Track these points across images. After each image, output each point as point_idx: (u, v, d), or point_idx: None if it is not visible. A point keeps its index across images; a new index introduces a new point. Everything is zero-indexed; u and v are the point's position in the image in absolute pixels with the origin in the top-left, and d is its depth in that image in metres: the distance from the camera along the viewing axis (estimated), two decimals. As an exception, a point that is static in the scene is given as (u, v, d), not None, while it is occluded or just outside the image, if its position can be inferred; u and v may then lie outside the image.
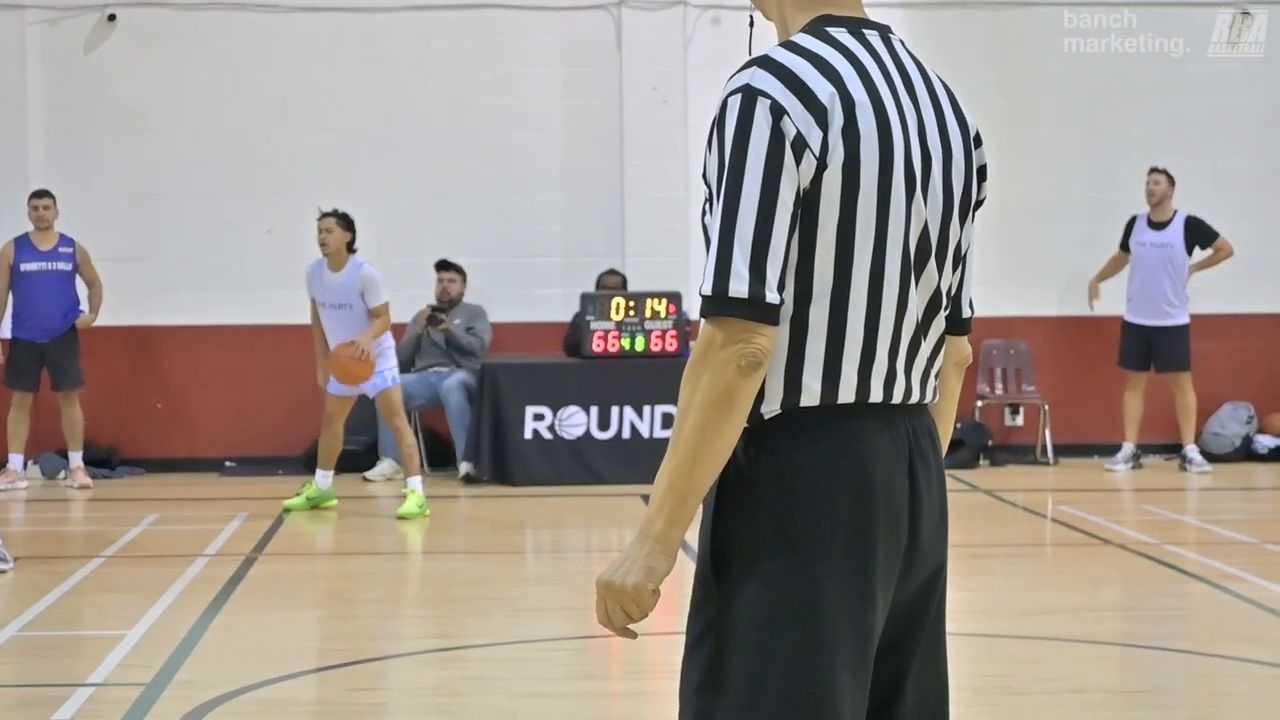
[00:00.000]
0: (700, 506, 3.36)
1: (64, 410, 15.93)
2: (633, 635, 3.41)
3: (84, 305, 16.18)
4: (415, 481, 13.80)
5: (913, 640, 3.50)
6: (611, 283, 16.84)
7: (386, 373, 13.69)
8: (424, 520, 13.65)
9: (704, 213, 3.36)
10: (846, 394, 3.35)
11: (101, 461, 16.63)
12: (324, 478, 14.21)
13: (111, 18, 17.32)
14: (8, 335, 15.98)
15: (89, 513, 14.87)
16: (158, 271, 17.29)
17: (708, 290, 3.25)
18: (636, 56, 17.39)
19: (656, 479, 3.32)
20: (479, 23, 17.54)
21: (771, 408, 3.34)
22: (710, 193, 3.34)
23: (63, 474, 16.24)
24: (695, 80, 17.36)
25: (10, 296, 15.97)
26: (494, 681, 8.26)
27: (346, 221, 13.81)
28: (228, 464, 17.28)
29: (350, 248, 13.79)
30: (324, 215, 13.81)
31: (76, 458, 15.99)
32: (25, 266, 15.97)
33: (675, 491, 3.28)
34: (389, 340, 13.86)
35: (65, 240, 16.15)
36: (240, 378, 17.32)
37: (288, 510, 14.10)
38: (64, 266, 16.06)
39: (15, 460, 15.96)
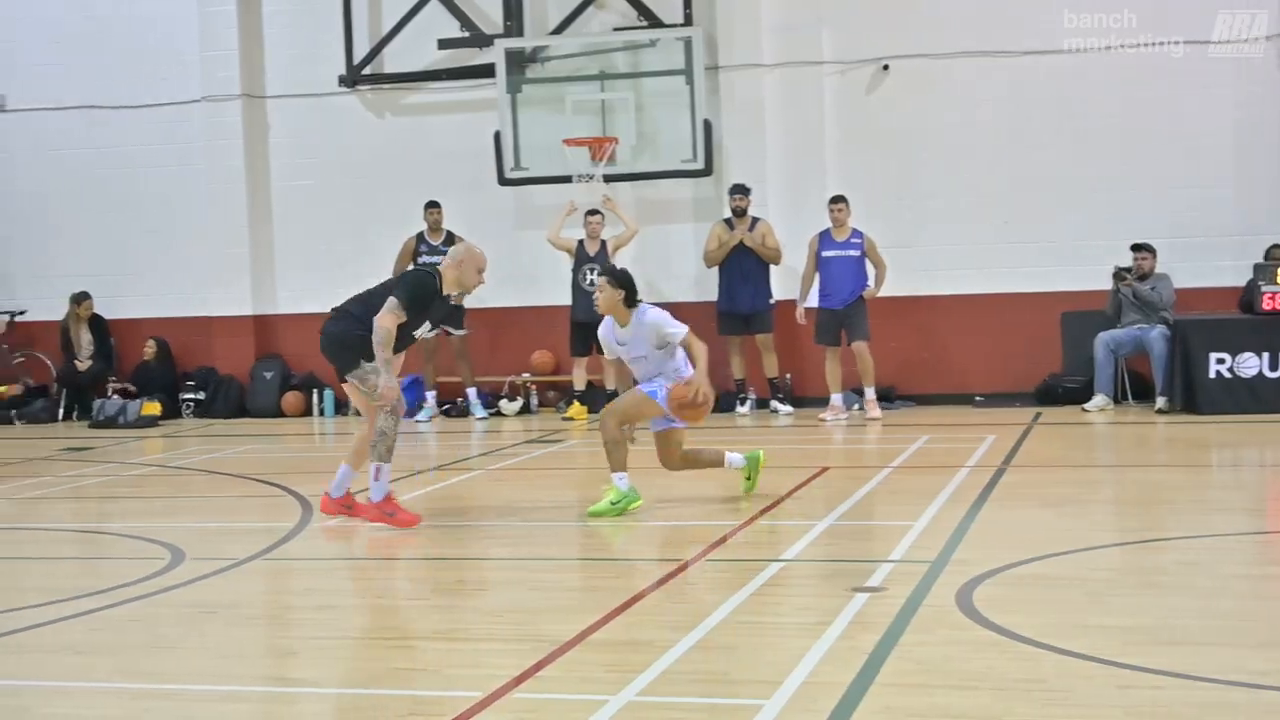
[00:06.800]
0: None
1: (858, 358, 16.54)
2: None
3: (870, 280, 16.70)
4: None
5: None
6: (1278, 254, 16.30)
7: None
8: (1131, 440, 13.49)
9: None
10: None
11: (883, 396, 17.20)
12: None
13: (885, 67, 17.82)
14: (814, 304, 16.79)
15: (880, 434, 15.22)
16: (919, 255, 17.69)
17: None
18: None
19: None
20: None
21: None
22: None
23: (856, 406, 16.89)
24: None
25: (817, 276, 16.75)
26: (1195, 566, 8.09)
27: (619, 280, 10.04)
28: (977, 398, 17.53)
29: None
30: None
31: (870, 392, 16.48)
32: (825, 254, 16.71)
33: None
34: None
35: (856, 233, 16.73)
36: (987, 331, 17.57)
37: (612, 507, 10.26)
38: (854, 253, 16.65)
39: (836, 399, 16.64)
